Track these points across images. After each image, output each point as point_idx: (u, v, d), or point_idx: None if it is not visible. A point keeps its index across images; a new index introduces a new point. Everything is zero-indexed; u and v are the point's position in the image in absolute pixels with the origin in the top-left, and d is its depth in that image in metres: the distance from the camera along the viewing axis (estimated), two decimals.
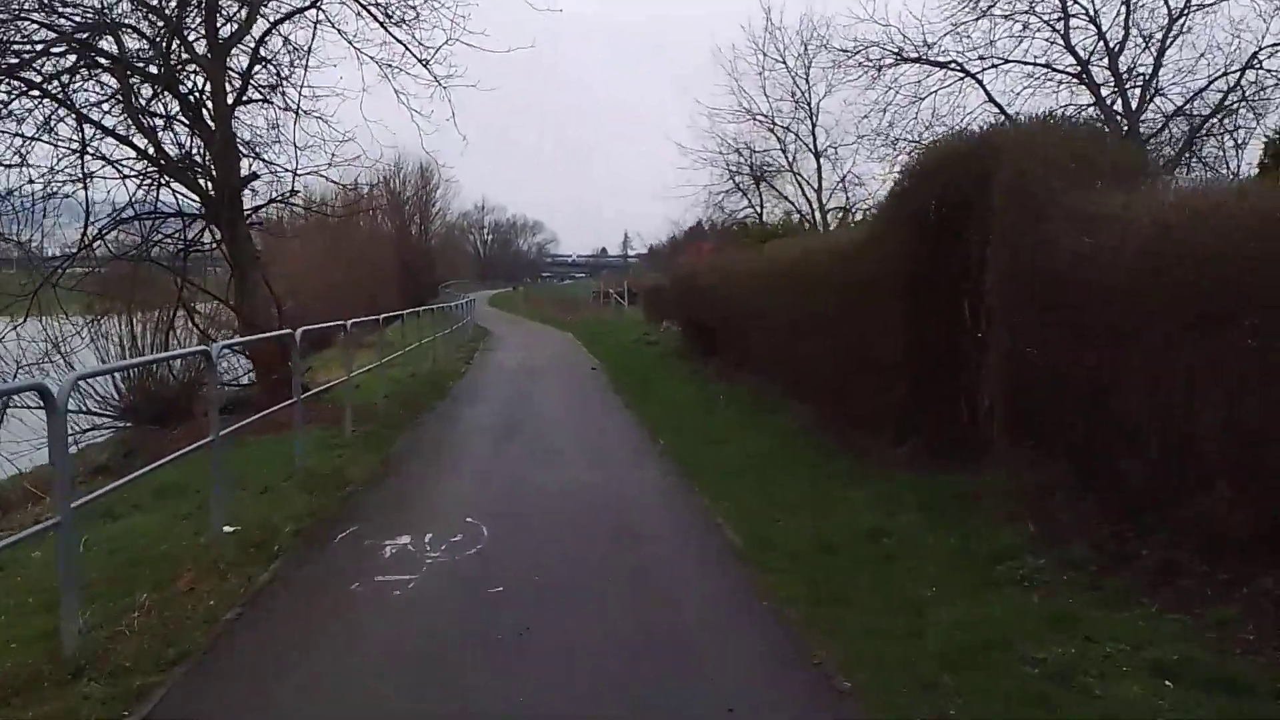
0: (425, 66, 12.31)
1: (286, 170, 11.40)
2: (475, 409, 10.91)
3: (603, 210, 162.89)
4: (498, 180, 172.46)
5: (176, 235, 11.13)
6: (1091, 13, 17.13)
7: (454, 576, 4.65)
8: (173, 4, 10.70)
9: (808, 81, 23.40)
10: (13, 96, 10.28)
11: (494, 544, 5.18)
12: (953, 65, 19.30)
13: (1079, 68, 17.95)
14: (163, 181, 11.50)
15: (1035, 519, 4.99)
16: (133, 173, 11.27)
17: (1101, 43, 17.27)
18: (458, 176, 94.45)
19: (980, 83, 19.32)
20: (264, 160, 12.32)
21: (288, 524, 5.60)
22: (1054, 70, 18.18)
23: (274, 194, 11.88)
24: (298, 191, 11.80)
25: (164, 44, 10.39)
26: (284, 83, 12.19)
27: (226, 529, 5.38)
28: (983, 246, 6.70)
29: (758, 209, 25.02)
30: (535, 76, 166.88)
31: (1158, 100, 17.05)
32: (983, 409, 7.22)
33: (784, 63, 23.16)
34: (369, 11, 11.84)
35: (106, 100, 11.13)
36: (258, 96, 12.39)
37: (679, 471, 7.24)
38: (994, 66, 19.03)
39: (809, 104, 23.81)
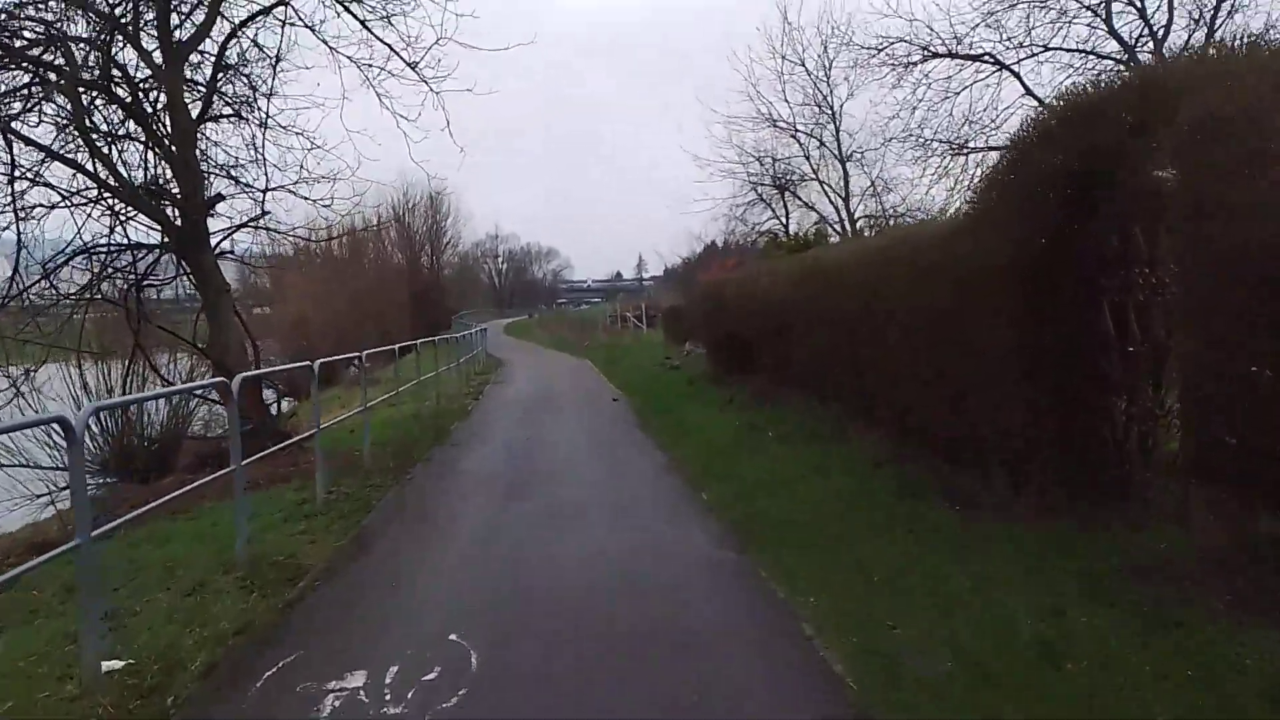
0: (414, 70, 10.90)
1: (255, 190, 9.92)
2: (478, 456, 9.29)
3: (616, 235, 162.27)
4: (511, 211, 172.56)
5: (127, 270, 9.62)
6: None
7: None
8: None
9: (829, 84, 22.12)
10: None
11: (484, 684, 3.53)
12: (986, 58, 18.09)
13: (1124, 54, 16.47)
14: (117, 209, 10.06)
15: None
16: (82, 201, 9.84)
17: (1145, 26, 15.95)
18: (469, 206, 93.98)
19: (1017, 75, 18.00)
20: (233, 178, 10.91)
21: (200, 652, 3.99)
22: (1097, 57, 16.83)
23: (247, 218, 10.39)
24: (268, 213, 10.34)
25: (104, 40, 8.96)
26: (255, 94, 10.80)
27: (107, 666, 3.78)
28: (1132, 228, 5.04)
29: (783, 220, 23.46)
30: (547, 105, 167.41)
31: None
32: (1130, 442, 5.52)
33: (803, 65, 21.90)
34: (346, 8, 10.46)
35: (55, 120, 9.76)
36: (227, 111, 11.01)
37: (733, 536, 5.57)
38: (1032, 56, 17.73)
39: (831, 108, 22.47)
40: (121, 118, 10.18)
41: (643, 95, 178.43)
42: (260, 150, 10.14)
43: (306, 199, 10.18)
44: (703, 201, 27.40)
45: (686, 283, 42.47)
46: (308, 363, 8.84)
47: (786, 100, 22.42)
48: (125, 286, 9.67)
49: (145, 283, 9.83)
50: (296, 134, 11.24)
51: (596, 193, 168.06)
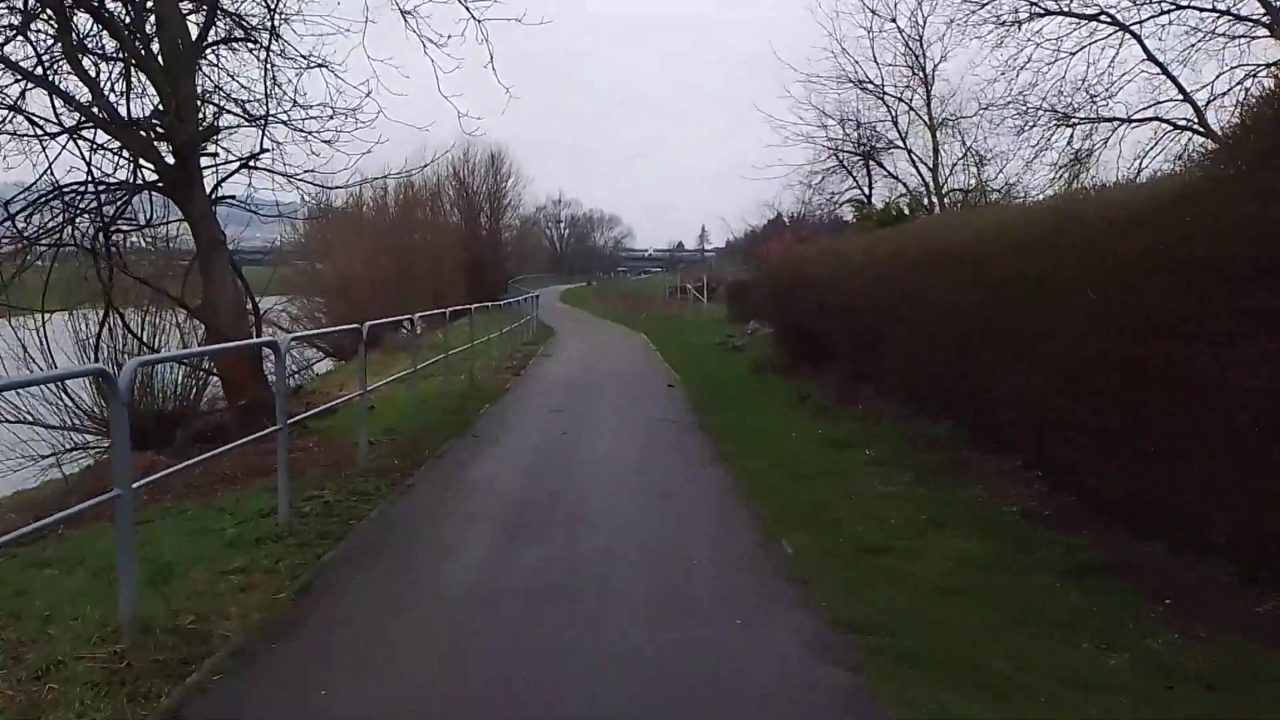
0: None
1: (253, 123, 8.32)
2: (498, 461, 7.58)
3: (679, 205, 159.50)
4: (575, 177, 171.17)
5: (99, 211, 8.13)
6: None
7: None
8: None
9: (922, 43, 19.66)
10: None
11: None
12: (1103, 17, 15.58)
13: (1268, 15, 13.83)
14: (101, 143, 8.58)
15: None
16: (58, 130, 8.38)
17: None
18: (530, 169, 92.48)
19: (1138, 38, 15.44)
20: (236, 103, 9.29)
21: None
22: (1235, 18, 14.21)
23: (247, 157, 8.81)
24: (267, 150, 8.74)
25: None
26: (270, 12, 9.17)
27: None
28: None
29: (864, 190, 21.12)
30: (610, 71, 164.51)
31: None
32: None
33: (894, 21, 19.43)
34: None
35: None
36: (238, 35, 9.41)
37: (840, 639, 3.70)
38: (1161, 15, 15.08)
39: (923, 69, 20.04)
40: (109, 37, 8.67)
41: (715, 52, 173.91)
42: (268, 73, 8.49)
43: (305, 133, 8.54)
44: (776, 168, 25.13)
45: (750, 256, 40.16)
46: (355, 325, 7.39)
47: (875, 59, 19.96)
48: (93, 230, 8.18)
49: (115, 227, 8.33)
50: (318, 65, 9.64)
51: (662, 163, 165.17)
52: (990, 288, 6.11)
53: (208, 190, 9.08)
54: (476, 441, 8.37)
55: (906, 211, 14.71)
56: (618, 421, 9.42)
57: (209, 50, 9.32)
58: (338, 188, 9.61)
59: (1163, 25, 14.61)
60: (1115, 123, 15.97)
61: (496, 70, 9.60)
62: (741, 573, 4.61)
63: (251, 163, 8.84)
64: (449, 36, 9.69)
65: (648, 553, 4.96)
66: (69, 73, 8.37)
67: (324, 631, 3.91)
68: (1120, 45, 15.18)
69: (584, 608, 4.10)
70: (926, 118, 20.24)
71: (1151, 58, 15.19)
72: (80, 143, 8.51)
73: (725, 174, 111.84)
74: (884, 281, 8.48)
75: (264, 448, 8.28)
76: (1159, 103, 15.34)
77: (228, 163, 8.94)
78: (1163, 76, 15.21)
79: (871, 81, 20.16)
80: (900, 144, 20.69)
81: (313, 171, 9.63)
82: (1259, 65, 13.32)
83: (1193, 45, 14.31)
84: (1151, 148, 15.51)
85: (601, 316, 35.41)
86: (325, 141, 8.82)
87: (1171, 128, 15.66)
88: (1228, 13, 14.03)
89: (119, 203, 8.35)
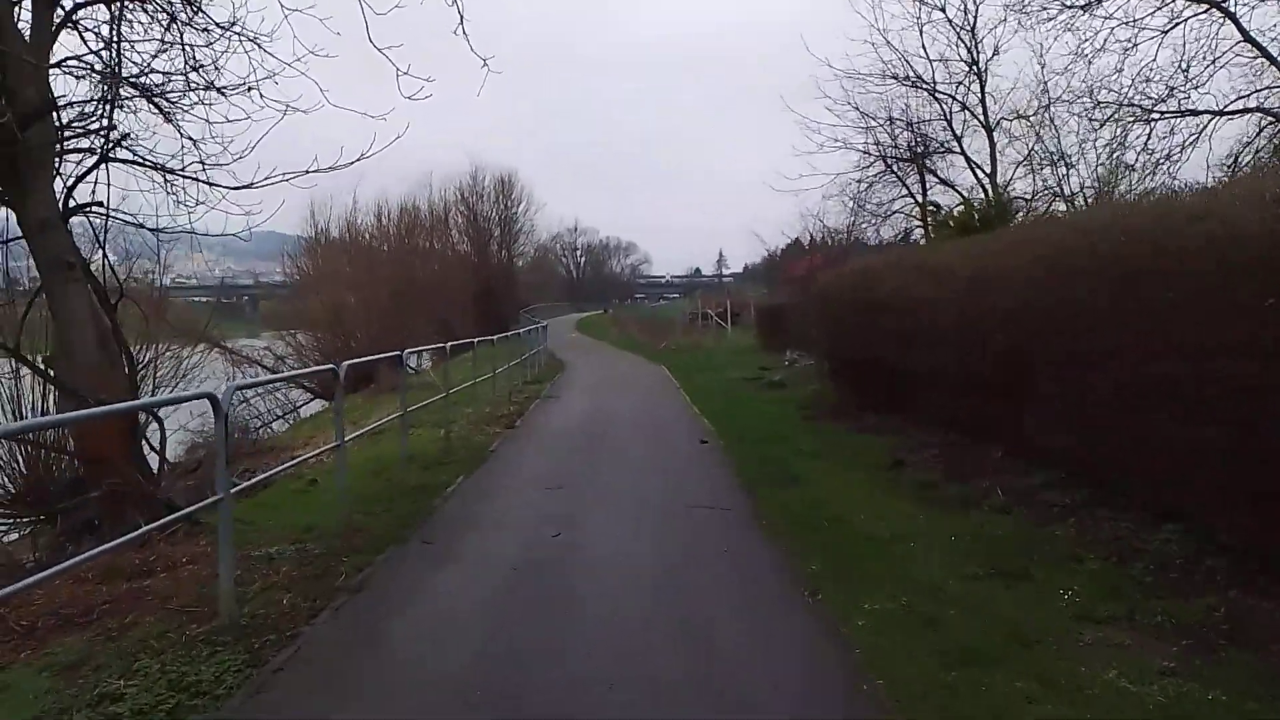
0: None
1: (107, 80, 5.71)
2: (445, 599, 4.76)
3: (698, 227, 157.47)
4: (592, 206, 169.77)
5: None
6: None
7: None
8: None
9: (973, 35, 17.08)
10: None
11: None
12: None
13: None
14: None
15: None
16: None
17: None
18: (543, 196, 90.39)
19: (1232, 16, 12.85)
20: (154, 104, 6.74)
21: None
22: None
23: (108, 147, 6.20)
24: (114, 127, 6.14)
25: None
26: None
27: None
28: None
29: (918, 198, 18.31)
30: (624, 100, 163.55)
31: None
32: None
33: (943, 10, 16.87)
34: None
35: None
36: None
37: None
38: None
39: (976, 63, 17.42)
40: None
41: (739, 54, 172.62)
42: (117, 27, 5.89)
43: (168, 106, 5.93)
44: (811, 177, 22.47)
45: (778, 278, 37.20)
46: (330, 366, 4.96)
47: (925, 53, 17.32)
48: None
49: None
50: (228, 30, 7.13)
51: (680, 188, 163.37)
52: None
53: (60, 193, 6.49)
54: (424, 554, 5.58)
55: (994, 217, 11.85)
56: (637, 509, 6.57)
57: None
58: (240, 188, 6.87)
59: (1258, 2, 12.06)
60: (1206, 115, 13.30)
61: (466, 33, 6.88)
62: None
63: (110, 150, 6.22)
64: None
65: None
66: None
67: None
68: (1212, 22, 12.63)
69: None
70: (982, 117, 17.59)
71: (1249, 38, 12.58)
72: None
73: (750, 188, 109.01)
74: (1025, 305, 5.68)
75: (120, 561, 5.69)
76: (1256, 91, 12.75)
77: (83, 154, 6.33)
78: (1263, 59, 12.59)
79: (921, 77, 17.58)
80: (956, 146, 18.03)
81: (206, 167, 7.01)
82: None
83: None
84: (1251, 141, 12.93)
85: (618, 346, 32.65)
86: (247, 120, 6.18)
87: (1275, 118, 12.98)
88: None
89: None
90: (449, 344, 12.47)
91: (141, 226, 7.39)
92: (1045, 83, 15.12)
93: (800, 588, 4.61)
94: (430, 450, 9.55)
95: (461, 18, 7.44)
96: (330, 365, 5.18)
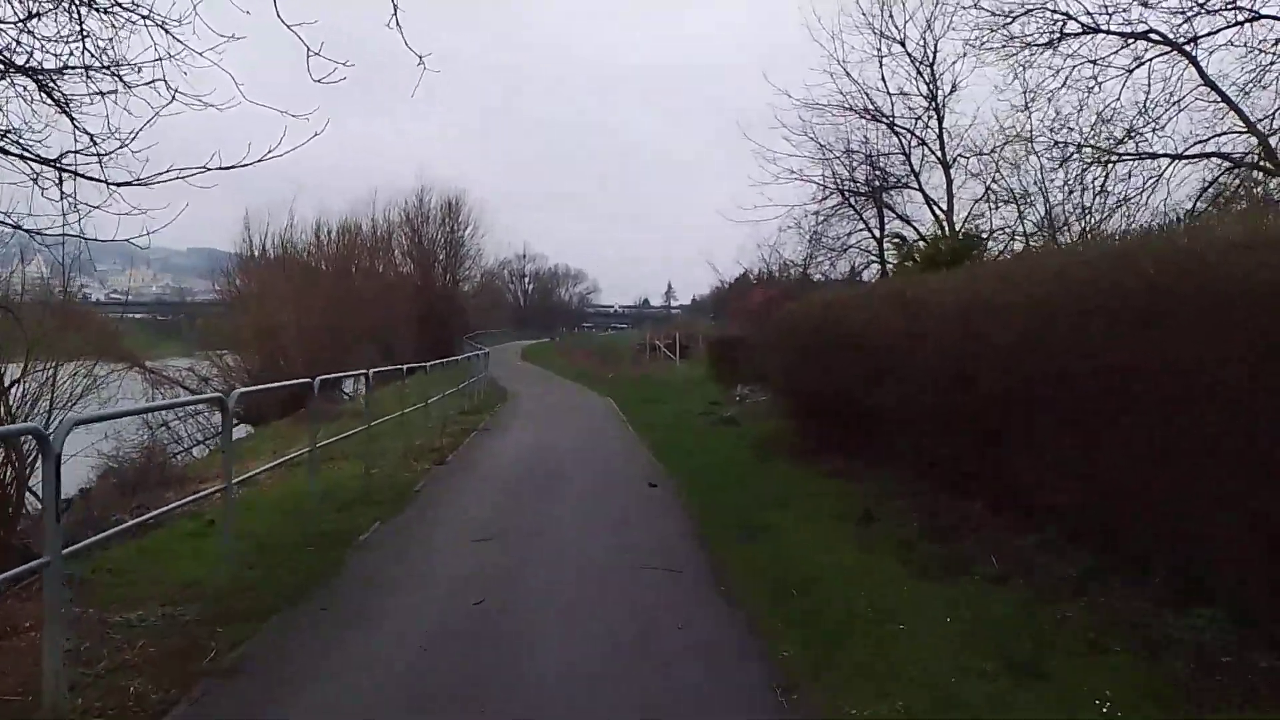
0: None
1: None
2: (333, 697, 3.82)
3: (645, 263, 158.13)
4: (542, 233, 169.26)
5: None
6: None
7: None
8: None
9: (933, 70, 16.99)
10: None
11: None
12: (1154, 34, 13.12)
13: None
14: None
15: None
16: None
17: None
18: (491, 220, 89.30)
19: (1192, 59, 12.88)
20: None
21: None
22: None
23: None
24: None
25: None
26: None
27: None
28: None
29: (875, 233, 17.97)
30: (583, 126, 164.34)
31: None
32: None
33: (902, 45, 16.74)
34: None
35: None
36: None
37: None
38: (1229, 26, 12.59)
39: (935, 99, 17.29)
40: None
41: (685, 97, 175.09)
42: None
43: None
44: (767, 208, 22.09)
45: (726, 310, 36.78)
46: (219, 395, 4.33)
47: (885, 86, 17.08)
48: None
49: None
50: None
51: (631, 219, 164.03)
52: None
53: None
54: (318, 625, 4.59)
55: (959, 250, 11.38)
56: (577, 568, 5.66)
57: None
58: (126, 184, 5.84)
59: (1221, 45, 12.05)
60: (1164, 159, 13.23)
61: (400, 24, 6.01)
62: None
63: None
64: None
65: None
66: None
67: None
68: (1171, 66, 12.60)
69: None
70: (940, 153, 17.41)
71: (1209, 82, 12.54)
72: None
73: (703, 219, 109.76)
74: (1028, 341, 5.03)
75: None
76: (1215, 136, 12.75)
77: None
78: (1222, 103, 12.58)
79: (880, 110, 17.33)
80: (913, 182, 17.79)
81: (104, 166, 5.97)
82: None
83: (1262, 67, 11.73)
84: (1207, 187, 12.91)
85: (564, 376, 31.67)
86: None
87: (1231, 164, 12.97)
88: None
89: None
90: (371, 370, 11.42)
91: (18, 228, 6.28)
92: (1001, 121, 14.94)
93: (772, 680, 3.77)
94: (350, 486, 8.50)
95: (395, 8, 6.60)
96: (217, 394, 4.19)
